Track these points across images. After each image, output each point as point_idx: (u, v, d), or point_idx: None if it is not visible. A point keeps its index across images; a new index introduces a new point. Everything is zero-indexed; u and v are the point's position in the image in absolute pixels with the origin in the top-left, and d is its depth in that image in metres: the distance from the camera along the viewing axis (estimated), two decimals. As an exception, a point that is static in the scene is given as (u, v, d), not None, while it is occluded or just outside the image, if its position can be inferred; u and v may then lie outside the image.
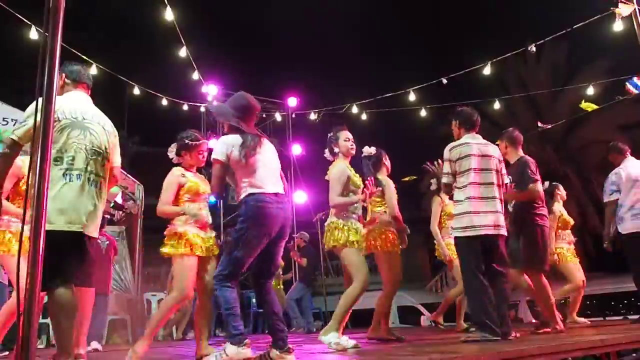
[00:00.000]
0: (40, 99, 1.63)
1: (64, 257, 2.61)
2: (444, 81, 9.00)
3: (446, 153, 4.11)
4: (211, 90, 10.93)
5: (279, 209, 3.05)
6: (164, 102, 10.23)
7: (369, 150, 4.83)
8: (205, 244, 3.65)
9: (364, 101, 10.67)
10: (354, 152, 4.40)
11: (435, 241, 5.89)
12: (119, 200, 8.88)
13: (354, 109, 10.70)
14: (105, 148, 2.94)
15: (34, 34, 6.83)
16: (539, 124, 8.74)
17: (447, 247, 5.69)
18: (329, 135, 4.49)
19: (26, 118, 2.71)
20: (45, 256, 1.71)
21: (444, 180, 4.15)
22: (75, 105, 2.87)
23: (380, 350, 3.78)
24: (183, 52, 9.14)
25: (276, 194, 3.08)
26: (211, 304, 3.73)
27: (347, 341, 3.84)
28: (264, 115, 12.35)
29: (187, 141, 3.80)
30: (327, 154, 4.46)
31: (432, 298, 14.16)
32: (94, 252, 2.98)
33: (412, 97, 9.67)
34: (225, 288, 2.97)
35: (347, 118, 10.99)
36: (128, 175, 9.00)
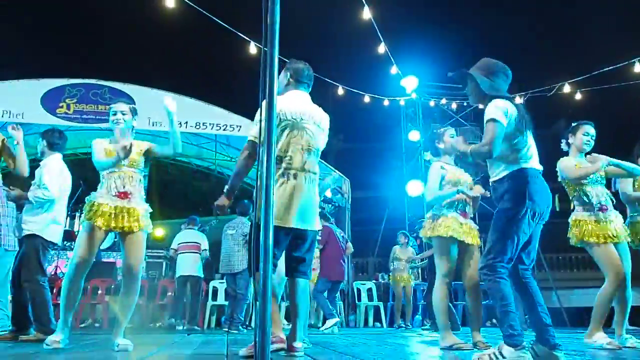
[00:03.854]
0: (264, 105, 1.84)
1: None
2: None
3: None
4: (410, 83, 10.99)
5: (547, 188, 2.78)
6: (366, 99, 10.58)
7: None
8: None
9: (576, 79, 9.70)
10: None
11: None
12: (328, 195, 9.49)
13: (566, 88, 9.80)
14: (319, 148, 3.15)
15: (253, 49, 7.73)
16: None
17: None
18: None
19: (257, 121, 2.98)
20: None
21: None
22: (294, 106, 3.09)
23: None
24: (380, 49, 9.33)
25: (540, 172, 2.81)
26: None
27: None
28: (465, 104, 12.05)
29: None
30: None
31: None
32: (311, 243, 3.12)
33: (638, 68, 8.48)
34: (502, 280, 2.66)
35: (556, 99, 10.12)
36: (335, 170, 9.55)
